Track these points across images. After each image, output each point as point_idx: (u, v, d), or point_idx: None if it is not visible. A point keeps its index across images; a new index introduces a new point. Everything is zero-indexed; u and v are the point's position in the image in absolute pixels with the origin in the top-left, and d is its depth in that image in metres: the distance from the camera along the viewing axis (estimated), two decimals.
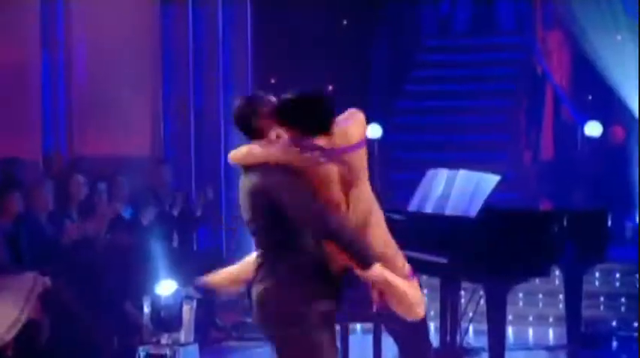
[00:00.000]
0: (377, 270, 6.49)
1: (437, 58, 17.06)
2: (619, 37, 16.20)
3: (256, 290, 6.61)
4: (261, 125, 6.28)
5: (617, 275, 13.55)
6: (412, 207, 12.16)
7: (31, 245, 12.39)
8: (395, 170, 13.88)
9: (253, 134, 6.48)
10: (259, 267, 6.63)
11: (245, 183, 6.60)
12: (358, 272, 6.44)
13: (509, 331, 12.11)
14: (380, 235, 7.10)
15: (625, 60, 16.20)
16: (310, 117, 6.56)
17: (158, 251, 12.74)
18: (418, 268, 11.46)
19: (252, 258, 6.90)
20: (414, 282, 7.00)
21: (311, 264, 6.56)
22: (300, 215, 6.43)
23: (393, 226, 11.44)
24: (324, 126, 6.54)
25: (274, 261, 6.58)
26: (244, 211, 6.68)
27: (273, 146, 6.57)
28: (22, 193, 12.72)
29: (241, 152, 6.66)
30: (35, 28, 14.75)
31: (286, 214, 6.40)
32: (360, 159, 6.82)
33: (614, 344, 12.61)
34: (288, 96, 6.56)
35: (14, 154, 13.69)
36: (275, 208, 6.43)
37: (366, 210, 6.84)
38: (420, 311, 6.92)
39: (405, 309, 6.83)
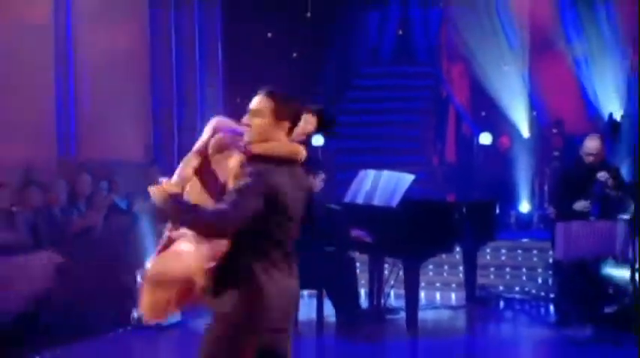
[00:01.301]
0: None
1: (368, 82, 17.00)
2: (506, 68, 16.26)
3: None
4: None
5: (504, 251, 13.74)
6: (347, 198, 12.21)
7: (47, 230, 12.28)
8: (335, 170, 13.85)
9: None
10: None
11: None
12: None
13: (422, 294, 12.17)
14: None
15: (510, 84, 16.30)
16: None
17: (147, 232, 12.69)
18: (352, 247, 11.91)
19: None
20: None
21: None
22: None
23: (332, 214, 11.77)
24: None
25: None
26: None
27: None
28: (41, 190, 12.73)
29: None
30: (49, 52, 14.47)
31: None
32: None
33: (501, 303, 12.84)
34: None
35: (35, 159, 13.54)
36: None
37: None
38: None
39: None
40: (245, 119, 5.50)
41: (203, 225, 5.21)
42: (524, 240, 13.97)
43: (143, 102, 15.12)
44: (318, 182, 11.52)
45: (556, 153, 15.19)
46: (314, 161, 12.08)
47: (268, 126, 5.41)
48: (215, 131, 5.94)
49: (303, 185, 5.52)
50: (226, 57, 15.71)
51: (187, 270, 5.38)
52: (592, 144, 11.88)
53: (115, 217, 13.14)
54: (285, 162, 5.40)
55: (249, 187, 5.15)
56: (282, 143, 5.47)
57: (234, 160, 5.55)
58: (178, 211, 5.27)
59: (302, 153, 5.51)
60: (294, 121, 5.58)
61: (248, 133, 5.46)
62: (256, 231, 5.25)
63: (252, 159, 5.38)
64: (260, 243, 5.27)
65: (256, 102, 5.43)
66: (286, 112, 5.48)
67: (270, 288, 5.18)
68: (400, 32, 17.28)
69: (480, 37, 16.39)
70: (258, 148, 5.39)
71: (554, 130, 15.75)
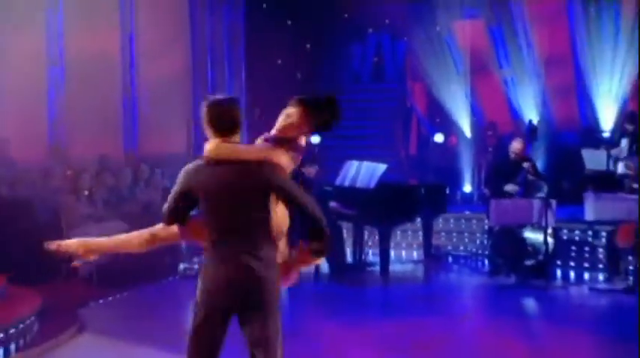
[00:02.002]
0: None
1: (352, 96, 16.75)
2: (453, 86, 16.30)
3: None
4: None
5: (452, 221, 13.70)
6: (337, 182, 12.25)
7: (117, 205, 12.43)
8: (327, 161, 13.81)
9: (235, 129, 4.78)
10: None
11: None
12: None
13: (392, 252, 12.16)
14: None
15: (457, 97, 16.26)
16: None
17: None
18: (340, 217, 11.91)
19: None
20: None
21: None
22: None
23: (327, 194, 12.01)
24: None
25: None
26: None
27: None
28: (112, 175, 12.75)
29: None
30: (118, 74, 14.44)
31: None
32: None
33: (450, 259, 12.89)
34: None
35: (108, 152, 13.51)
36: None
37: None
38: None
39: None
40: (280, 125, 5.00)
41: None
42: (467, 212, 13.94)
43: (187, 111, 15.07)
44: (312, 171, 11.59)
45: (490, 149, 15.17)
46: (310, 155, 12.12)
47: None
48: None
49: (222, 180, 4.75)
50: (248, 77, 15.68)
51: None
52: (516, 145, 11.99)
53: (166, 196, 13.19)
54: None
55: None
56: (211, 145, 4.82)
57: None
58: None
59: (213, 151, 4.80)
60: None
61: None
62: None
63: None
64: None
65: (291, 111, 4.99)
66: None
67: (202, 273, 4.74)
68: (375, 59, 17.08)
69: (434, 62, 16.28)
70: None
71: (489, 132, 15.74)
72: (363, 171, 12.01)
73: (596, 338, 8.77)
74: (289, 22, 15.77)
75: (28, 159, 12.86)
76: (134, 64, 14.46)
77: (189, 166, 4.78)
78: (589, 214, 11.11)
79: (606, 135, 14.79)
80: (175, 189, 4.74)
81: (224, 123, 4.62)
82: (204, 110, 4.75)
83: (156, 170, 13.48)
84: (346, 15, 16.29)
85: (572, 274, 11.67)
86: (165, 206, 4.79)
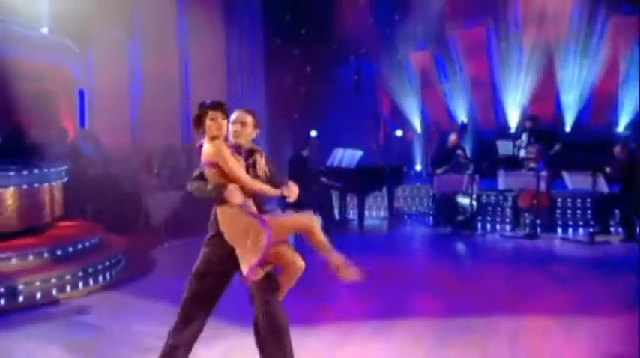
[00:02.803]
0: None
1: (339, 104, 16.26)
2: (408, 98, 16.34)
3: None
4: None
5: (407, 190, 13.48)
6: (327, 163, 12.17)
7: (177, 180, 11.97)
8: (322, 148, 13.71)
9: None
10: None
11: None
12: None
13: (366, 212, 12.06)
14: None
15: (411, 104, 16.31)
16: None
17: None
18: (330, 188, 11.88)
19: None
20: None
21: None
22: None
23: (320, 172, 11.92)
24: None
25: None
26: None
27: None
28: (173, 160, 12.81)
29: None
30: (176, 88, 14.31)
31: None
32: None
33: (405, 216, 12.75)
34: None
35: (170, 143, 13.45)
36: None
37: None
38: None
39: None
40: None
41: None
42: (418, 184, 13.80)
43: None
44: (305, 152, 11.55)
45: (434, 141, 14.96)
46: (305, 143, 12.13)
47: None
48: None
49: None
50: (266, 92, 15.57)
51: None
52: (452, 138, 12.09)
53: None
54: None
55: None
56: None
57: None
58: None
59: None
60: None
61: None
62: None
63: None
64: None
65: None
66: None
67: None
68: (355, 77, 16.67)
69: (396, 80, 16.15)
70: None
71: (433, 129, 15.61)
72: (346, 156, 11.99)
73: (505, 268, 8.91)
74: (295, 52, 15.62)
75: (116, 148, 12.89)
76: (188, 81, 14.38)
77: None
78: (500, 185, 11.13)
79: (512, 131, 14.72)
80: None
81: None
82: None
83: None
84: (334, 46, 16.11)
85: (488, 226, 11.72)
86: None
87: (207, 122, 4.06)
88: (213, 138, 4.07)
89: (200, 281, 4.18)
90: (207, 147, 4.09)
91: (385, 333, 5.83)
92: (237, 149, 4.24)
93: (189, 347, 4.22)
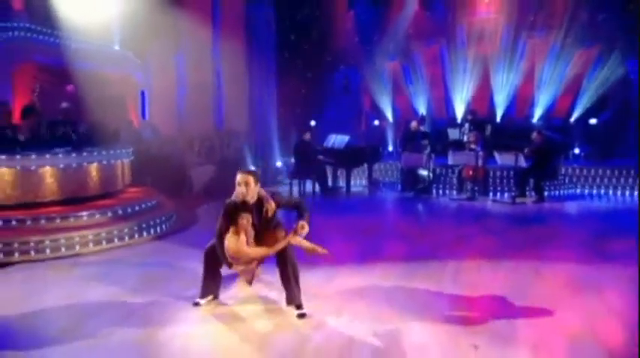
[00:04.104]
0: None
1: (333, 101, 16.10)
2: (383, 97, 16.15)
3: None
4: None
5: (382, 165, 13.31)
6: (324, 145, 12.02)
7: (213, 157, 12.20)
8: (319, 134, 13.58)
9: None
10: None
11: None
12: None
13: (352, 181, 11.99)
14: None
15: (386, 102, 16.13)
16: None
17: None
18: (326, 163, 11.64)
19: None
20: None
21: None
22: None
23: (318, 151, 11.69)
24: None
25: None
26: None
27: None
28: (209, 141, 12.74)
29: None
30: (212, 95, 14.13)
31: None
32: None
33: (381, 185, 12.51)
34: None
35: (207, 128, 13.39)
36: None
37: None
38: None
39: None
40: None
41: None
42: (390, 161, 13.67)
43: (245, 110, 14.51)
44: (308, 136, 11.49)
45: (401, 128, 14.73)
46: (307, 130, 12.02)
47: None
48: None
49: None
50: (278, 95, 15.32)
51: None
52: (413, 124, 12.04)
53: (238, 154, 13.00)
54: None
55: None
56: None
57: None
58: None
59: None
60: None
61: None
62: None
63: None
64: None
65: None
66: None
67: None
68: (345, 81, 16.47)
69: (375, 83, 15.99)
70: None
71: (401, 119, 15.54)
72: (337, 140, 11.91)
73: (451, 222, 8.93)
74: (299, 62, 15.44)
75: (168, 132, 12.98)
76: (220, 84, 14.18)
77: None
78: (450, 161, 11.09)
79: (458, 121, 14.60)
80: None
81: None
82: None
83: (231, 138, 13.26)
84: (329, 58, 15.98)
85: (441, 191, 11.64)
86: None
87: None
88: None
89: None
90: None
91: (363, 271, 5.85)
92: (244, 205, 4.33)
93: None
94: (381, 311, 4.64)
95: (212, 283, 4.76)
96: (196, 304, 4.71)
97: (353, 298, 4.98)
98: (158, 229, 7.73)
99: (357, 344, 4.00)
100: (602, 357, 3.79)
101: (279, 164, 13.99)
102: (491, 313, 4.58)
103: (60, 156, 7.47)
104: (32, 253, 6.42)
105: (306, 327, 4.29)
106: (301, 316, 4.43)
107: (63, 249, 6.59)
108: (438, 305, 4.78)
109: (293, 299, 4.49)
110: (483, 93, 15.19)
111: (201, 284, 4.75)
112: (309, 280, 5.26)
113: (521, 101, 14.93)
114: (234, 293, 5.09)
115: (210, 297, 4.79)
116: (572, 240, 7.36)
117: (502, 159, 10.66)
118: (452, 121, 14.86)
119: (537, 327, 4.29)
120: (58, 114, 9.09)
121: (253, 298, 4.98)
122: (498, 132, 12.89)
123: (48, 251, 6.50)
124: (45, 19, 10.52)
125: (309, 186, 11.34)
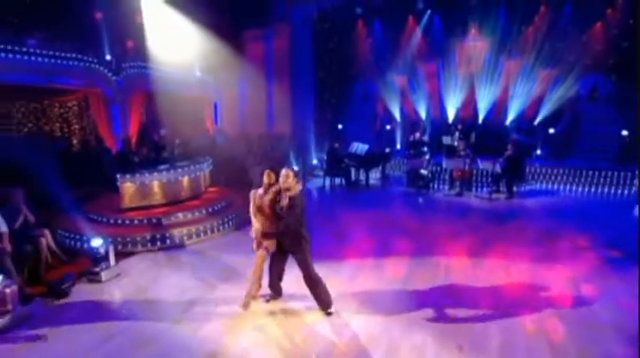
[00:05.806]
0: None
1: (354, 109, 15.82)
2: (393, 103, 15.78)
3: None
4: None
5: (393, 163, 13.02)
6: (349, 151, 11.81)
7: (265, 157, 11.53)
8: (346, 141, 13.41)
9: None
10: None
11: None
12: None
13: (371, 175, 11.91)
14: None
15: (396, 109, 15.73)
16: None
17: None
18: (350, 166, 11.36)
19: None
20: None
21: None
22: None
23: (344, 156, 11.51)
24: None
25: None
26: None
27: None
28: (263, 143, 12.70)
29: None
30: (264, 103, 13.98)
31: None
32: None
33: (391, 179, 12.26)
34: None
35: (261, 132, 13.30)
36: None
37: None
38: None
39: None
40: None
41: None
42: (398, 158, 13.47)
43: (289, 119, 13.93)
44: (337, 145, 11.45)
45: (407, 131, 14.63)
46: (339, 138, 12.00)
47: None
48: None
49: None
50: (314, 102, 14.96)
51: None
52: (417, 135, 11.93)
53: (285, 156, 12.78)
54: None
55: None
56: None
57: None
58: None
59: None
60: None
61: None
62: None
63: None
64: None
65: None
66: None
67: None
68: (364, 92, 16.05)
69: (387, 93, 15.66)
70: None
71: (409, 124, 15.22)
72: (359, 147, 11.78)
73: (444, 215, 8.70)
74: (330, 78, 15.21)
75: (233, 135, 13.24)
76: (271, 99, 14.12)
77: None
78: (444, 164, 11.01)
79: (450, 121, 14.47)
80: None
81: None
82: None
83: (279, 142, 13.17)
84: (352, 73, 15.75)
85: (436, 187, 11.38)
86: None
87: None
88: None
89: None
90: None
91: (378, 268, 5.87)
92: (278, 190, 4.51)
93: None
94: (392, 309, 4.77)
95: (277, 286, 4.99)
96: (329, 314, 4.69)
97: (369, 296, 4.96)
98: (230, 224, 7.73)
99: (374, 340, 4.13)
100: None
101: (315, 161, 14.05)
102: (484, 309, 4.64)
103: (164, 172, 7.89)
104: (148, 245, 6.87)
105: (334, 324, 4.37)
106: (328, 314, 4.66)
107: (168, 241, 7.00)
108: (432, 303, 4.92)
109: (319, 305, 4.71)
110: (469, 101, 15.09)
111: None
112: (334, 278, 5.31)
113: (498, 108, 14.79)
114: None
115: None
116: (533, 236, 7.16)
117: (484, 165, 10.66)
118: (445, 126, 14.60)
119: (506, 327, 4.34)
120: (158, 137, 9.44)
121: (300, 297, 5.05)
122: (480, 135, 12.84)
123: (158, 243, 6.91)
124: (145, 55, 10.74)
125: (337, 180, 11.35)
